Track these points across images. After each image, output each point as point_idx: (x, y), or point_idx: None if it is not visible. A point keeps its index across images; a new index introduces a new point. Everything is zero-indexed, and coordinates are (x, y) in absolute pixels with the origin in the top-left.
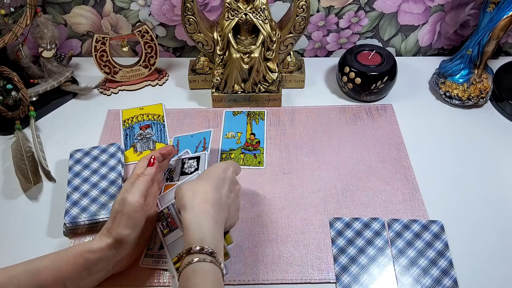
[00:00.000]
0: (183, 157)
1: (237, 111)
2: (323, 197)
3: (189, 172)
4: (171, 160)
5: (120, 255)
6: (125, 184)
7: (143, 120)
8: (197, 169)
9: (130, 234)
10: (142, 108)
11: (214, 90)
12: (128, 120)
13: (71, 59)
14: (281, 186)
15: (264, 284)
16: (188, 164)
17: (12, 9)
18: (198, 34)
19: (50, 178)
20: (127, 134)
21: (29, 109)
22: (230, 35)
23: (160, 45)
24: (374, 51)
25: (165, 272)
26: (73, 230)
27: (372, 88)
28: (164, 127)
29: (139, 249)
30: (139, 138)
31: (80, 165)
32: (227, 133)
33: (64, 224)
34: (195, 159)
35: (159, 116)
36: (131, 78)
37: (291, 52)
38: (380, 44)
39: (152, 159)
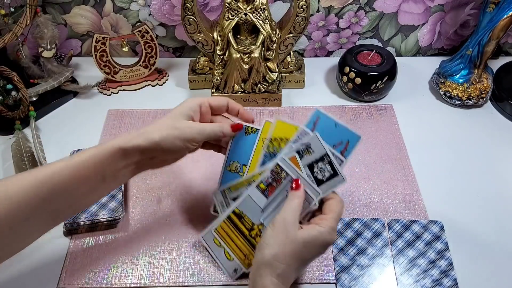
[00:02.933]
0: (328, 152)
1: (251, 129)
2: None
3: (315, 173)
4: (317, 138)
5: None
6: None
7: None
8: (322, 181)
9: (160, 142)
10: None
11: (214, 90)
12: (277, 139)
13: (71, 59)
14: None
15: None
16: (322, 167)
17: (12, 9)
18: (198, 34)
19: None
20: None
21: (29, 109)
22: (230, 35)
23: (160, 45)
24: (374, 51)
25: (164, 272)
26: (73, 230)
27: (372, 88)
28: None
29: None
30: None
31: None
32: (231, 162)
33: (64, 224)
34: (333, 170)
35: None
36: (131, 78)
37: (291, 52)
38: (380, 44)
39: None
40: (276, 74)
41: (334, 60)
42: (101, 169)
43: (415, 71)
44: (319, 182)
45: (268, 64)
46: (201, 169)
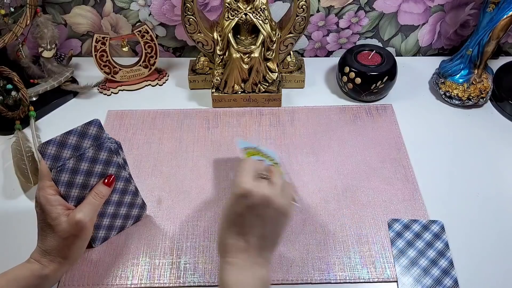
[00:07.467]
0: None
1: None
2: (323, 197)
3: None
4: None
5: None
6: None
7: None
8: None
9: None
10: None
11: (214, 90)
12: None
13: (71, 59)
14: None
15: None
16: None
17: (12, 9)
18: (198, 34)
19: None
20: None
21: (29, 109)
22: (230, 35)
23: (160, 45)
24: (374, 51)
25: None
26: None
27: (372, 88)
28: None
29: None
30: None
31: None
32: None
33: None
34: None
35: None
36: (131, 78)
37: (291, 52)
38: (380, 44)
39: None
40: (276, 74)
41: (334, 60)
42: None
43: (415, 71)
44: None
45: (268, 64)
46: (201, 169)
